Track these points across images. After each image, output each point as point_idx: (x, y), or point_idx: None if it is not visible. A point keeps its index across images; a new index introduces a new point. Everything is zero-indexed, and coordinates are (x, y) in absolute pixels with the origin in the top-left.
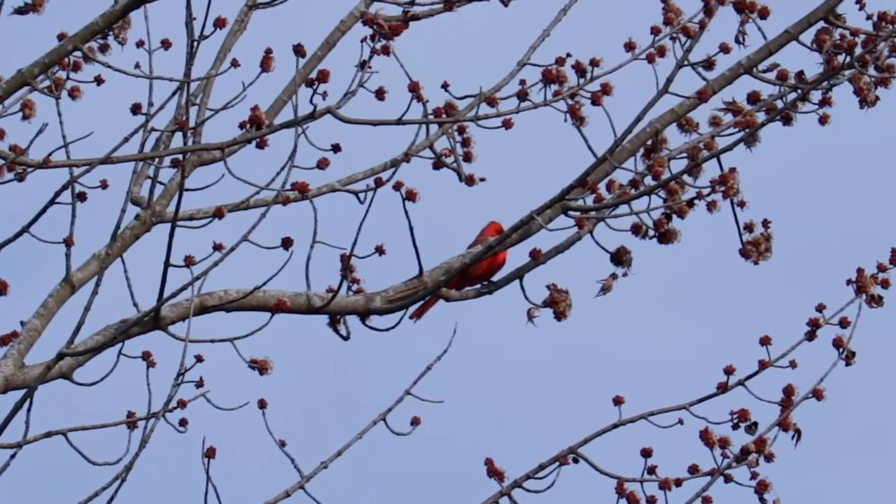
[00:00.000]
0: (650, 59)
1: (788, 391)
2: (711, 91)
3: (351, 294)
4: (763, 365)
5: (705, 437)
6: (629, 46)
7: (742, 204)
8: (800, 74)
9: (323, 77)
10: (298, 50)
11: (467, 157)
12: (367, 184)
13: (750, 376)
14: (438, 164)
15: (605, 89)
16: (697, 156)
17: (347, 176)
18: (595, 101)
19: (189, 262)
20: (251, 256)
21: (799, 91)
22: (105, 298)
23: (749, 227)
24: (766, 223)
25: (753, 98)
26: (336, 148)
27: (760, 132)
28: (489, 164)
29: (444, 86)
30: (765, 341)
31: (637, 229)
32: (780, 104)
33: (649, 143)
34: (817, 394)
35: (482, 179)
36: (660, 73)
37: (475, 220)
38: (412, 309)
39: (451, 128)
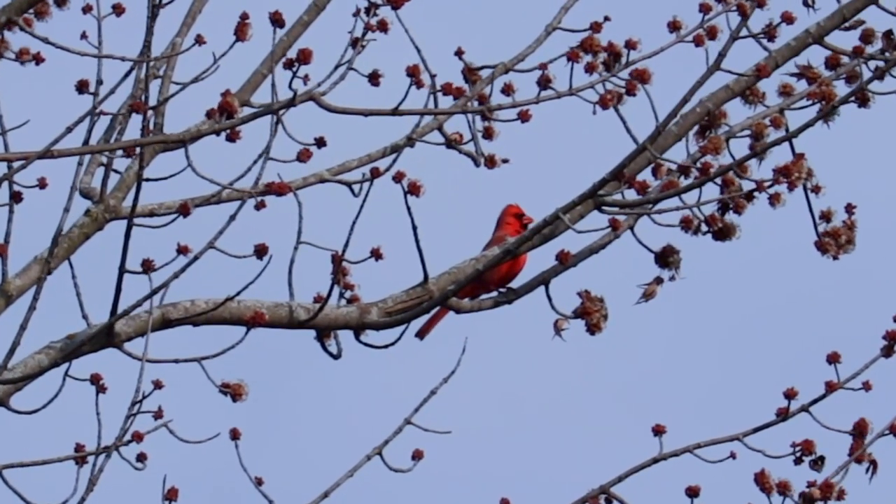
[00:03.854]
0: (698, 42)
1: (860, 428)
2: (774, 64)
3: (343, 304)
4: (831, 387)
5: (761, 481)
6: (674, 27)
7: (817, 189)
8: (888, 35)
9: (304, 58)
10: (276, 19)
11: (488, 134)
12: (362, 173)
13: (815, 401)
14: (451, 145)
15: (643, 77)
16: (762, 133)
17: (339, 164)
18: (630, 90)
19: (148, 267)
20: (223, 260)
21: (882, 63)
22: (49, 309)
23: (826, 216)
24: (850, 209)
25: (832, 62)
26: (320, 142)
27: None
28: (509, 152)
29: (459, 52)
30: (833, 359)
31: (687, 224)
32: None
33: (704, 119)
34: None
35: (505, 161)
36: (711, 47)
37: (491, 216)
38: (416, 323)
39: (467, 103)
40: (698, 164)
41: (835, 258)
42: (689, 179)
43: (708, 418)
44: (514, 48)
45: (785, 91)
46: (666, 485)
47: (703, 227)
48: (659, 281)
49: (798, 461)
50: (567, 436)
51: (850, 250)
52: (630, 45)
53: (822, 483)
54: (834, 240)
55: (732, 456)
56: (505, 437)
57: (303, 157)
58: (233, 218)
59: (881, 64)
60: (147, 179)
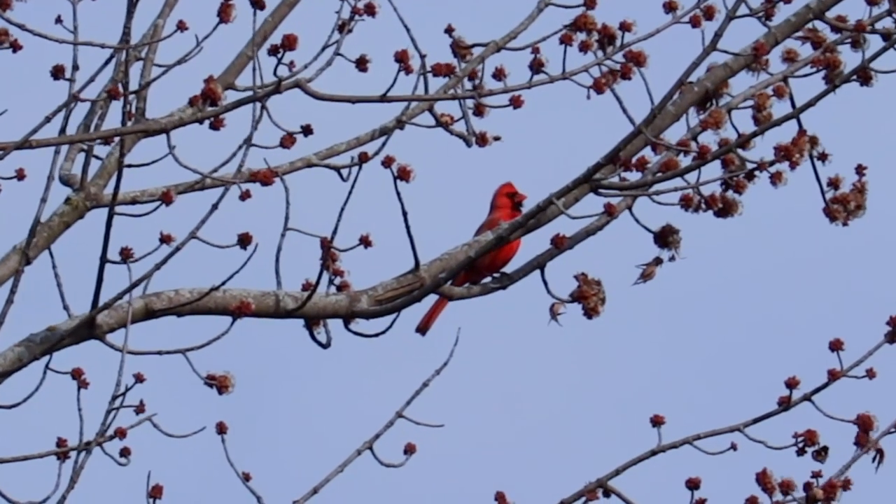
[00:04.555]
0: (695, 23)
1: (864, 423)
2: (773, 41)
3: (332, 292)
4: (833, 375)
5: (763, 481)
6: (670, 7)
7: (823, 157)
8: None
9: (289, 44)
10: (257, 1)
11: (479, 111)
12: (350, 157)
13: (818, 389)
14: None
15: (638, 59)
16: (765, 104)
17: (327, 148)
18: (625, 73)
19: (127, 256)
20: (208, 248)
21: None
22: (28, 300)
23: (834, 184)
24: (860, 170)
25: (838, 24)
26: (307, 130)
27: (844, 69)
28: (502, 135)
29: (449, 30)
30: (835, 346)
31: (687, 202)
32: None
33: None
34: None
35: (497, 138)
36: (708, 27)
37: (483, 200)
38: (409, 312)
39: (458, 83)
40: (698, 140)
41: (844, 224)
42: (689, 156)
43: (708, 408)
44: (505, 25)
45: (789, 57)
46: (665, 477)
47: (704, 206)
48: (658, 261)
49: (801, 452)
50: (563, 427)
51: (860, 215)
52: (625, 27)
53: (825, 483)
54: (843, 206)
55: (733, 447)
56: (500, 430)
57: (286, 143)
58: (215, 207)
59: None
60: (129, 166)
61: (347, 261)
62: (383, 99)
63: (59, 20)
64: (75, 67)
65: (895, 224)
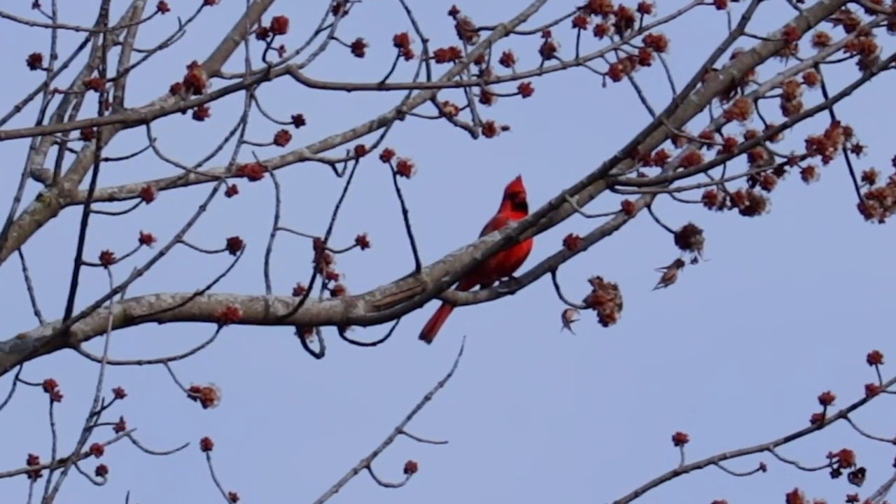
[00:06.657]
0: (720, 4)
1: None
2: (805, 25)
3: (326, 297)
4: (872, 391)
5: (794, 502)
6: None
7: (858, 150)
8: None
9: (279, 27)
10: None
11: (486, 99)
12: (346, 151)
13: (854, 406)
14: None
15: (658, 43)
16: (794, 93)
17: (320, 141)
18: (644, 59)
19: (107, 260)
20: (191, 249)
21: None
22: None
23: (870, 178)
24: None
25: (873, 6)
26: (298, 120)
27: (881, 55)
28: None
29: (453, 12)
30: (874, 359)
31: (710, 199)
32: None
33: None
34: None
35: (505, 128)
36: (735, 8)
37: (489, 197)
38: (409, 319)
39: (463, 70)
40: (722, 132)
41: (880, 222)
42: (714, 150)
43: (735, 425)
44: (514, 7)
45: (820, 41)
46: (688, 500)
47: (729, 203)
48: (679, 264)
49: (835, 473)
50: (577, 445)
51: None
52: (643, 9)
53: None
54: (879, 202)
55: (762, 468)
56: (508, 447)
57: (280, 140)
58: (203, 208)
59: None
60: (106, 159)
61: (343, 263)
62: (381, 86)
63: (36, 5)
64: (53, 56)
65: None
